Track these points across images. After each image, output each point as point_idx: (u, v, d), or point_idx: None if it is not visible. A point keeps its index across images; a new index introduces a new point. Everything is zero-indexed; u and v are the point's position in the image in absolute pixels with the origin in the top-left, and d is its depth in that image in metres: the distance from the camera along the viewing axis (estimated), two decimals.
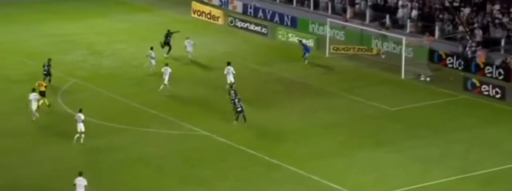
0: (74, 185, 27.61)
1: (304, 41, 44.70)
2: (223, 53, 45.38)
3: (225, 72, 38.85)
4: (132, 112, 36.65)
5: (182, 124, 35.05)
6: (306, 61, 43.07)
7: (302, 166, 30.90)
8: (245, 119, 34.70)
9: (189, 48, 43.71)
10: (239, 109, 34.55)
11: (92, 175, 28.72)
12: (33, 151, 32.44)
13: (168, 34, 44.92)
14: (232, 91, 35.59)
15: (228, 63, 39.20)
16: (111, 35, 49.22)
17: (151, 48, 41.80)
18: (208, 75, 41.60)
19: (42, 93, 36.38)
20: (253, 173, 30.64)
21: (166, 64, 39.27)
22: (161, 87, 38.50)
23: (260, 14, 51.99)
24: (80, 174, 27.77)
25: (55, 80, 39.62)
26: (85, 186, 27.55)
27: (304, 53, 43.23)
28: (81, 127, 32.70)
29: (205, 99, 38.57)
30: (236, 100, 34.82)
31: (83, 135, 32.68)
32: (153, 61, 41.21)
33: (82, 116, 32.83)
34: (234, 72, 38.76)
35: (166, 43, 44.81)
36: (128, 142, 33.37)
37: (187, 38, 44.05)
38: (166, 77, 38.49)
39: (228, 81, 38.29)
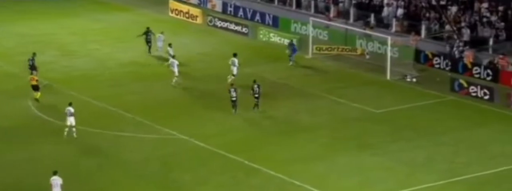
0: (50, 184, 27.99)
1: (294, 41, 44.47)
2: (202, 54, 45.42)
3: (229, 62, 39.88)
4: (106, 115, 36.61)
5: (159, 127, 35.03)
6: (291, 62, 43.05)
7: (283, 170, 30.95)
8: (258, 106, 36.43)
9: (159, 43, 44.20)
10: (256, 99, 36.29)
11: (66, 182, 28.62)
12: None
13: (148, 32, 45.00)
14: (256, 86, 36.45)
15: (234, 55, 40.10)
16: (85, 35, 49.10)
17: (169, 45, 42.74)
18: (183, 77, 41.58)
19: (34, 88, 37.21)
20: (232, 178, 30.68)
21: (173, 57, 40.35)
22: (173, 80, 39.45)
23: (241, 13, 52.06)
24: (55, 173, 28.25)
25: (25, 83, 39.50)
26: (61, 185, 27.98)
27: (291, 54, 43.20)
28: (71, 120, 33.21)
29: (182, 101, 38.57)
30: (255, 94, 36.25)
31: (74, 129, 33.22)
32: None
33: (72, 110, 33.36)
34: (237, 65, 39.51)
35: (147, 41, 44.92)
36: (103, 147, 33.32)
37: (161, 32, 44.47)
38: (176, 70, 39.46)
39: (233, 73, 39.66)
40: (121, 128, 35.05)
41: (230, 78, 39.84)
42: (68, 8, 54.39)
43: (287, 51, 43.53)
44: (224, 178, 30.67)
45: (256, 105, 36.69)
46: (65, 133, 33.40)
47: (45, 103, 37.60)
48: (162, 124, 35.32)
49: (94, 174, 30.93)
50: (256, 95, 36.67)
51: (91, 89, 39.81)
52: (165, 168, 31.43)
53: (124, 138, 34.08)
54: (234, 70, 39.93)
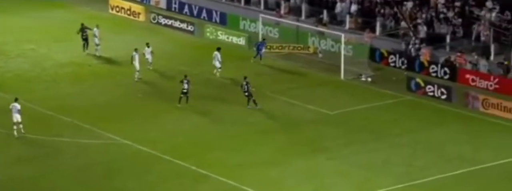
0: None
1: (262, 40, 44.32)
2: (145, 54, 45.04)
3: (213, 55, 40.93)
4: (43, 120, 36.14)
5: (101, 132, 34.69)
6: (253, 60, 43.31)
7: (234, 176, 30.86)
8: (255, 103, 37.06)
9: (97, 39, 44.00)
10: (246, 97, 37.02)
11: None
12: None
13: (83, 29, 44.52)
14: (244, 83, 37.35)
15: (218, 49, 41.25)
16: (20, 34, 48.32)
17: (147, 45, 42.16)
18: (126, 78, 41.22)
19: None
20: (180, 185, 30.51)
21: (136, 50, 40.46)
22: (136, 75, 40.32)
23: (186, 10, 51.81)
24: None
25: None
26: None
27: (258, 53, 43.22)
28: (17, 117, 33.41)
29: (125, 103, 38.23)
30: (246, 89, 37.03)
31: (21, 125, 33.39)
32: (149, 57, 41.79)
33: (18, 106, 33.55)
34: (220, 60, 40.71)
35: (83, 39, 44.47)
36: (40, 154, 32.87)
37: (96, 26, 44.26)
38: (137, 64, 40.19)
39: (216, 66, 40.83)
40: (59, 133, 34.61)
41: (217, 73, 40.98)
42: (0, 5, 53.42)
43: (254, 49, 43.59)
44: (171, 185, 30.45)
45: (251, 101, 37.04)
46: (15, 132, 33.49)
47: None
48: (103, 128, 34.98)
49: (31, 183, 30.44)
50: (246, 93, 37.01)
51: (26, 91, 39.20)
52: (107, 175, 31.13)
53: (63, 144, 33.66)
54: (217, 64, 40.83)
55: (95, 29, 44.58)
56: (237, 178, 30.68)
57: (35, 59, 44.37)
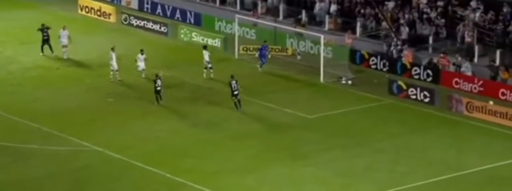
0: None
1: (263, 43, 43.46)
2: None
3: (205, 56, 41.08)
4: (8, 126, 35.92)
5: (69, 138, 34.53)
6: (260, 70, 42.65)
7: (210, 183, 30.83)
8: (240, 105, 37.31)
9: (64, 40, 43.79)
10: (234, 96, 37.27)
11: None
12: None
13: (43, 29, 44.24)
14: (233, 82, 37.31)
15: (204, 47, 41.89)
16: None
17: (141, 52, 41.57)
18: (97, 82, 41.08)
19: None
20: None
21: (112, 49, 40.73)
22: (111, 75, 40.31)
23: (159, 10, 51.73)
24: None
25: None
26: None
27: (262, 59, 42.63)
28: None
29: (95, 108, 38.09)
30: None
31: None
32: (141, 64, 41.22)
33: None
34: (208, 59, 41.12)
35: (45, 40, 44.22)
36: (5, 162, 32.63)
37: (63, 28, 44.03)
38: (114, 64, 40.37)
39: (208, 67, 41.11)
40: (25, 139, 34.40)
41: (211, 74, 41.04)
42: None
43: (257, 55, 43.06)
44: None
45: (236, 104, 37.08)
46: None
47: None
48: (72, 134, 34.84)
49: None
50: (236, 92, 37.11)
51: None
52: (77, 184, 30.98)
53: (29, 151, 33.47)
54: (208, 64, 40.97)
55: (61, 30, 44.28)
56: (213, 186, 30.65)
57: (0, 62, 44.10)
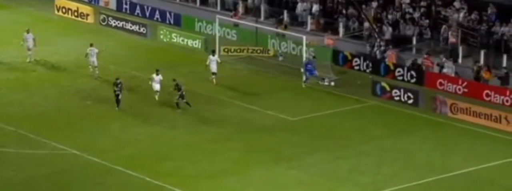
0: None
1: (310, 58, 41.72)
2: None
3: (207, 62, 40.76)
4: None
5: (46, 141, 34.38)
6: (304, 85, 40.66)
7: (191, 187, 30.78)
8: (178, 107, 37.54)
9: (29, 44, 43.29)
10: (181, 98, 37.68)
11: None
12: None
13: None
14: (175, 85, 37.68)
15: (212, 52, 41.47)
16: None
17: (157, 72, 38.94)
18: (75, 83, 40.98)
19: None
20: None
21: (91, 45, 41.25)
22: (90, 70, 40.96)
23: (138, 11, 51.63)
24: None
25: None
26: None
27: (308, 75, 40.67)
28: None
29: (72, 110, 37.95)
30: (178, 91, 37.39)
31: None
32: (156, 86, 38.61)
33: None
34: (219, 61, 40.87)
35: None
36: None
37: (27, 31, 43.51)
38: (95, 60, 40.98)
39: (211, 71, 40.72)
40: (1, 143, 34.23)
41: (214, 79, 40.85)
42: None
43: (302, 70, 41.14)
44: None
45: (178, 104, 37.45)
46: None
47: None
48: (49, 137, 34.70)
49: None
50: (181, 93, 37.36)
51: None
52: (54, 188, 30.86)
53: (5, 155, 33.27)
54: (214, 68, 40.70)
55: (25, 34, 43.76)
56: (194, 189, 30.64)
57: None
